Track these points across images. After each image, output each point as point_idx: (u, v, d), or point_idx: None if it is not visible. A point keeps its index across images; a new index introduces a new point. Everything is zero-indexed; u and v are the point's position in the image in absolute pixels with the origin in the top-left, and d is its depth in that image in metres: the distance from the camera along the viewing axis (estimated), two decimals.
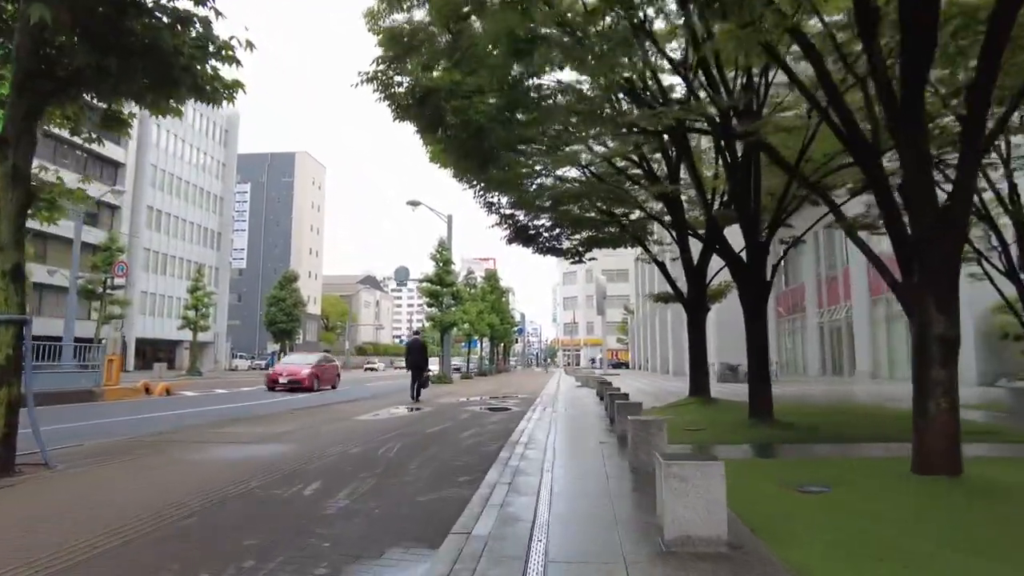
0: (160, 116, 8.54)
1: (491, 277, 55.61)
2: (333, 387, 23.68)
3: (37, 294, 42.60)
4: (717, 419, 10.04)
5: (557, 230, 12.71)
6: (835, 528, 3.89)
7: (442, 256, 33.62)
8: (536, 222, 12.57)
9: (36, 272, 38.49)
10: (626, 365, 76.15)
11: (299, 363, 23.52)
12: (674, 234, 13.24)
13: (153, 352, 55.73)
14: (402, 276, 37.21)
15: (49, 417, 12.05)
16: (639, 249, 57.43)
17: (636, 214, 13.65)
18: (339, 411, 13.56)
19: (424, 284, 33.49)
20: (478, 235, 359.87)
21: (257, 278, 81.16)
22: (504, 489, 5.11)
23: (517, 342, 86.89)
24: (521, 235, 12.82)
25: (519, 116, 6.93)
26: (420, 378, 17.45)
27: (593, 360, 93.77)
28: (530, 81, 6.48)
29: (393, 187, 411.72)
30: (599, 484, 5.31)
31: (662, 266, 14.07)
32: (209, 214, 63.16)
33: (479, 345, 51.32)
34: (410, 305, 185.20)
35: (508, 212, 11.92)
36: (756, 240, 9.33)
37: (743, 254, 9.66)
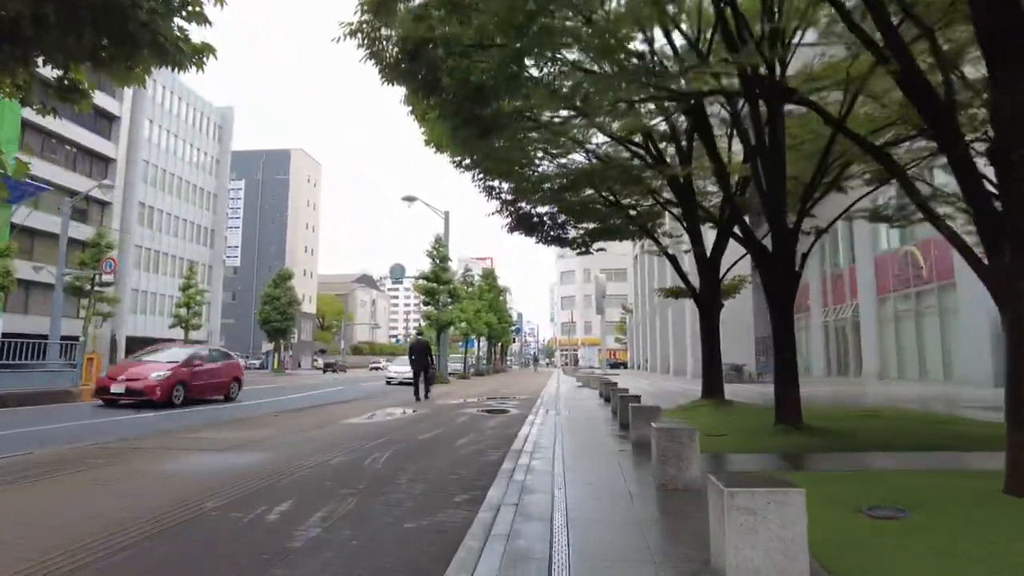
0: (122, 86, 7.63)
1: (489, 275, 54.69)
2: (227, 397, 16.46)
3: (24, 291, 41.57)
4: (738, 424, 9.19)
5: (561, 218, 11.80)
6: (937, 571, 3.04)
7: (439, 253, 32.73)
8: (539, 209, 11.66)
9: (21, 268, 37.46)
10: (624, 365, 75.30)
11: (154, 362, 15.29)
12: (685, 224, 12.38)
13: None
14: (398, 273, 36.30)
15: (16, 420, 11.19)
16: (639, 247, 56.46)
17: (644, 203, 12.78)
18: (330, 413, 12.68)
19: (420, 282, 32.56)
20: (476, 234, 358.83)
21: (252, 276, 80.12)
22: (510, 513, 4.24)
23: (515, 341, 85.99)
24: (524, 224, 11.91)
25: (528, 72, 6.04)
26: (426, 378, 17.81)
27: (590, 360, 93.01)
28: (543, 20, 5.61)
29: (391, 187, 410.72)
30: (623, 507, 4.44)
31: (673, 259, 13.22)
32: (202, 211, 62.16)
33: (476, 345, 50.40)
34: (407, 304, 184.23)
35: (510, 198, 11.00)
36: (782, 226, 8.48)
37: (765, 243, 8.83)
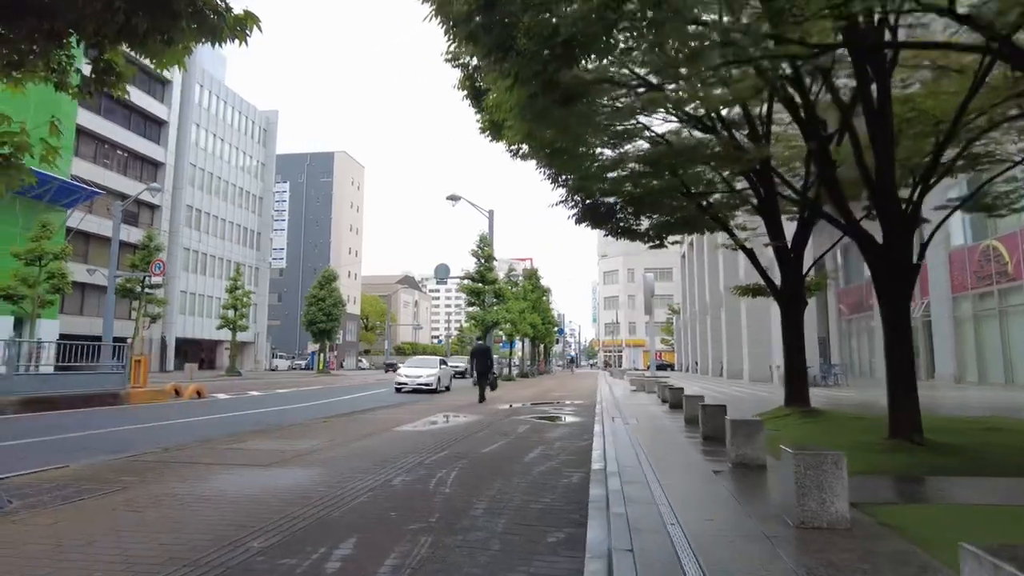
0: (162, 68, 6.96)
1: (532, 275, 53.77)
2: None
3: (79, 293, 42.36)
4: (842, 438, 8.08)
5: (631, 208, 10.78)
6: None
7: (484, 252, 32.02)
8: (608, 200, 10.67)
9: (76, 271, 38.13)
10: (671, 367, 73.52)
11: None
12: (763, 215, 11.27)
13: (195, 352, 55.57)
14: (442, 274, 35.71)
15: (63, 424, 10.81)
16: (686, 246, 55.21)
17: (718, 193, 11.70)
18: (380, 419, 11.95)
19: (465, 282, 31.93)
20: (515, 236, 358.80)
21: (297, 278, 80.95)
22: (626, 561, 3.34)
23: (557, 343, 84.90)
24: (592, 214, 10.91)
25: (621, 23, 5.14)
26: (487, 381, 18.81)
27: (634, 362, 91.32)
28: None
29: (432, 188, 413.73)
30: (766, 554, 3.49)
31: (751, 253, 12.09)
32: (248, 213, 62.86)
33: (520, 346, 49.58)
34: (447, 305, 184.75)
35: (575, 186, 10.02)
36: (894, 209, 7.37)
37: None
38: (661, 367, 70.96)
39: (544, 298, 56.11)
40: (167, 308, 45.07)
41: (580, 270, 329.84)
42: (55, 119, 5.99)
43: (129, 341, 20.76)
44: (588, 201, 10.38)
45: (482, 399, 17.73)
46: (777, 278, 11.80)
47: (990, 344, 24.66)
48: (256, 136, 65.38)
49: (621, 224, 11.25)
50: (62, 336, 28.00)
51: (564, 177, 9.43)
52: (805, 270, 11.48)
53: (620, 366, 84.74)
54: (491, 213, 34.61)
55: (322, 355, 60.92)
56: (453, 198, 33.47)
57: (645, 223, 11.41)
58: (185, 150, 52.45)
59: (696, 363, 56.19)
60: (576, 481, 5.81)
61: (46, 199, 33.11)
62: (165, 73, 48.00)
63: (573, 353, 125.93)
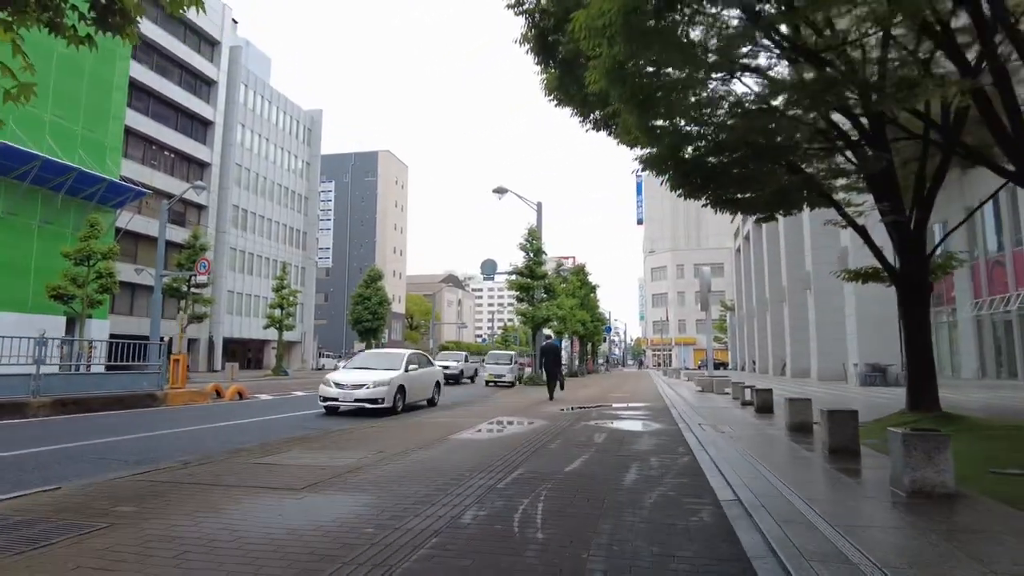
0: (174, 11, 5.68)
1: (579, 271, 52.01)
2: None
3: (128, 293, 42.56)
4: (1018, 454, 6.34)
5: (736, 169, 9.03)
6: None
7: (532, 246, 30.46)
8: (710, 159, 8.96)
9: (125, 271, 38.16)
10: (724, 365, 70.81)
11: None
12: (879, 183, 9.50)
13: (243, 352, 55.65)
14: (489, 270, 34.37)
15: (88, 429, 9.81)
16: (740, 239, 52.82)
17: (822, 162, 9.96)
18: (434, 423, 10.60)
19: (513, 277, 30.42)
20: (560, 235, 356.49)
21: (343, 277, 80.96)
22: None
23: (605, 341, 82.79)
24: (690, 178, 9.12)
25: None
26: (556, 379, 19.07)
27: (685, 361, 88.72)
28: None
29: (475, 186, 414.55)
30: None
31: (864, 232, 10.30)
32: (294, 213, 62.80)
33: (569, 344, 47.91)
34: (490, 304, 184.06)
35: (671, 141, 8.34)
36: None
37: None
38: (715, 366, 68.42)
39: (592, 295, 54.33)
40: (214, 308, 44.96)
41: (625, 267, 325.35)
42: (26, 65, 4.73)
43: (166, 339, 19.93)
44: (690, 157, 8.71)
45: (551, 397, 18.14)
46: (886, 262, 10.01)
47: None
48: (301, 136, 65.34)
49: (722, 193, 9.57)
50: (113, 336, 27.65)
51: (655, 127, 7.82)
52: (931, 250, 9.67)
53: (670, 365, 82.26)
54: (539, 205, 33.12)
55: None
56: (500, 191, 32.14)
57: (748, 193, 9.70)
58: (231, 150, 52.45)
59: (753, 361, 53.62)
60: (709, 519, 4.28)
61: (96, 199, 33.03)
62: (210, 73, 47.93)
63: (619, 353, 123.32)
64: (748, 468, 6.05)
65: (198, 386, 18.65)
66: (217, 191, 50.96)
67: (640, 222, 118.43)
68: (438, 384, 16.41)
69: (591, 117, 9.70)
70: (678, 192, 9.34)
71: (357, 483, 5.43)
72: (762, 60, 8.17)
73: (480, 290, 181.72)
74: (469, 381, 29.10)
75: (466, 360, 32.00)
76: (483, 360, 34.48)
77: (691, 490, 5.23)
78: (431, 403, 15.70)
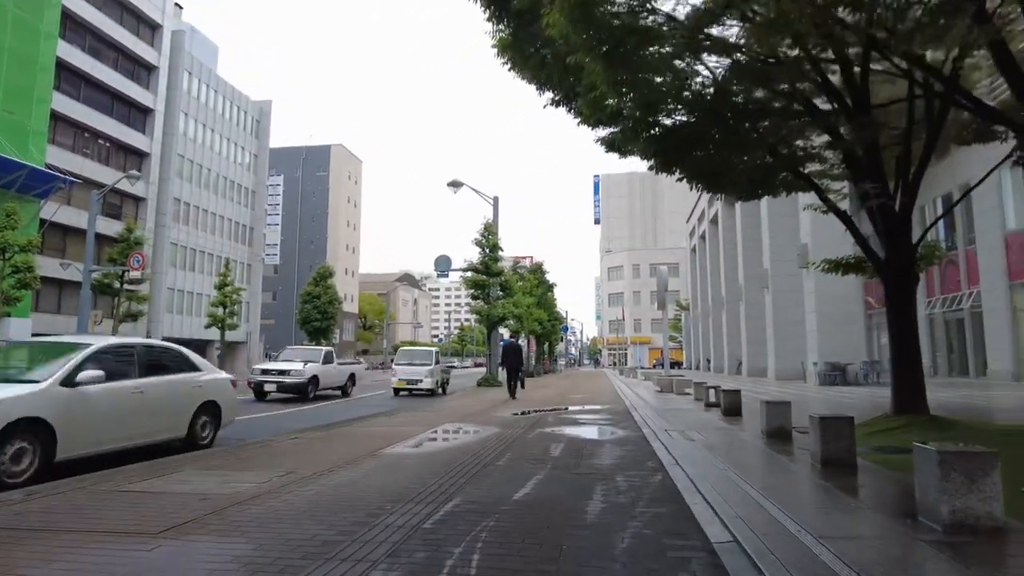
0: None
1: (537, 269, 51.02)
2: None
3: (56, 290, 39.74)
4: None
5: (715, 139, 7.98)
6: None
7: (488, 241, 29.23)
8: (686, 122, 7.84)
9: (49, 266, 35.50)
10: (679, 364, 70.89)
11: None
12: (863, 166, 8.62)
13: None
14: (443, 266, 32.95)
15: None
16: (696, 239, 52.80)
17: (801, 140, 9.04)
18: (370, 432, 9.29)
19: (469, 274, 29.11)
20: (517, 234, 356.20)
21: (293, 275, 78.29)
22: None
23: (562, 340, 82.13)
24: (663, 142, 8.01)
25: None
26: (517, 378, 19.22)
27: (640, 360, 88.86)
28: None
29: (431, 183, 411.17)
30: None
31: (847, 218, 9.43)
32: (240, 207, 60.19)
33: (526, 343, 46.87)
34: (447, 303, 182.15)
35: (641, 99, 7.20)
36: None
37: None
38: (670, 365, 68.38)
39: (550, 293, 53.44)
40: (151, 305, 42.43)
41: (582, 267, 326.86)
42: None
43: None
44: (657, 122, 7.62)
45: (512, 396, 18.24)
46: (867, 252, 9.17)
47: None
48: (249, 127, 62.74)
49: (703, 167, 8.47)
50: (36, 336, 25.36)
51: (623, 81, 6.70)
52: (917, 238, 8.84)
53: (626, 364, 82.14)
54: (496, 200, 31.95)
55: None
56: (455, 184, 30.88)
57: (736, 165, 8.63)
58: (172, 140, 49.75)
59: (708, 360, 53.57)
60: (703, 570, 3.15)
61: (15, 187, 30.44)
62: (149, 58, 45.23)
63: (576, 351, 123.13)
64: (734, 490, 4.97)
65: None
66: (157, 183, 48.25)
67: (597, 222, 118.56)
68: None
69: (550, 85, 8.58)
70: (650, 164, 8.29)
71: (238, 522, 4.13)
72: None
73: (437, 290, 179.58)
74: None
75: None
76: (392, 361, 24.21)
77: (672, 525, 4.10)
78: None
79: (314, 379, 17.65)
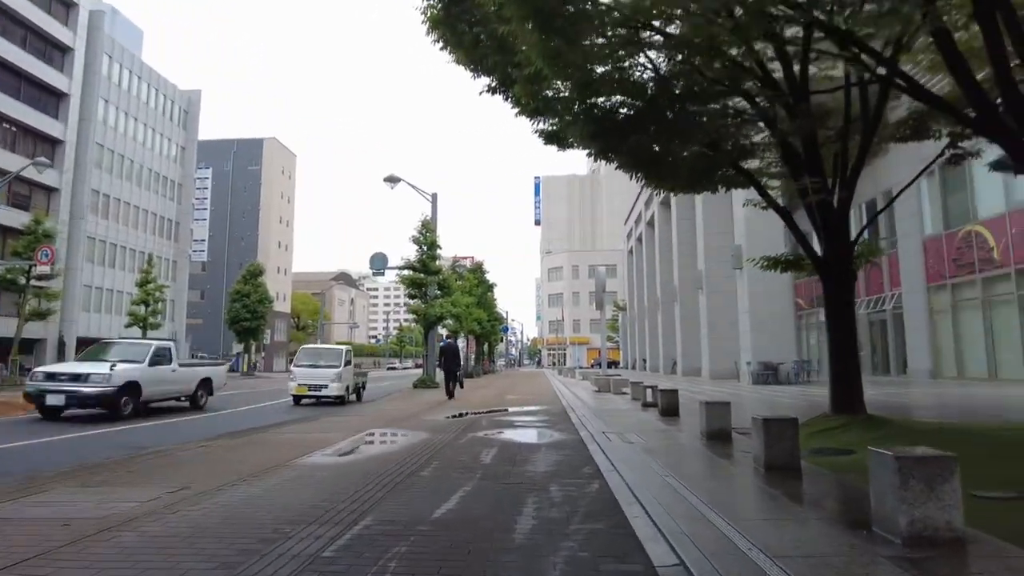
0: None
1: (477, 269, 50.53)
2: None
3: None
4: (984, 467, 5.27)
5: (653, 127, 7.57)
6: None
7: (426, 239, 28.51)
8: (625, 107, 7.44)
9: None
10: (616, 364, 71.62)
11: None
12: (801, 159, 8.47)
13: None
14: (379, 264, 31.98)
15: None
16: (634, 240, 53.31)
17: (740, 133, 8.82)
18: (280, 441, 8.54)
19: (405, 272, 28.26)
20: (457, 233, 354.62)
21: (222, 273, 75.11)
22: None
23: (502, 341, 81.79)
24: (602, 124, 7.55)
25: None
26: (455, 379, 19.27)
27: (579, 360, 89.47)
28: None
29: (370, 182, 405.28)
30: None
31: (787, 215, 9.28)
32: (165, 201, 57.28)
33: (466, 343, 46.25)
34: (386, 304, 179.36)
35: (579, 77, 6.74)
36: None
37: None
38: (608, 365, 68.91)
39: (490, 293, 53.01)
40: (64, 303, 39.67)
41: (523, 268, 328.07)
42: None
43: None
44: (595, 105, 7.17)
45: (451, 395, 18.45)
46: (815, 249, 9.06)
47: (971, 336, 22.96)
48: (176, 118, 59.80)
49: (638, 156, 8.07)
50: None
51: (560, 55, 6.22)
52: (855, 235, 8.76)
53: (565, 364, 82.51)
54: (434, 196, 31.24)
55: (247, 356, 56.09)
56: (392, 180, 30.01)
57: (679, 152, 8.25)
58: (90, 128, 46.74)
59: (644, 360, 54.22)
60: None
61: None
62: (63, 39, 42.42)
63: (517, 352, 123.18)
64: (676, 499, 4.57)
65: (10, 395, 15.38)
66: (73, 172, 45.21)
67: (538, 223, 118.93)
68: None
69: (485, 68, 8.06)
70: (588, 151, 7.90)
71: (96, 556, 3.42)
72: None
73: (376, 289, 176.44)
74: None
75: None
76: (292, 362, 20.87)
77: (610, 544, 3.64)
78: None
79: (130, 387, 12.65)
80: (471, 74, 8.54)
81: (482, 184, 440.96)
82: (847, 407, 8.32)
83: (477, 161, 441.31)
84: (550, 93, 8.10)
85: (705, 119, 8.39)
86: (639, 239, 56.64)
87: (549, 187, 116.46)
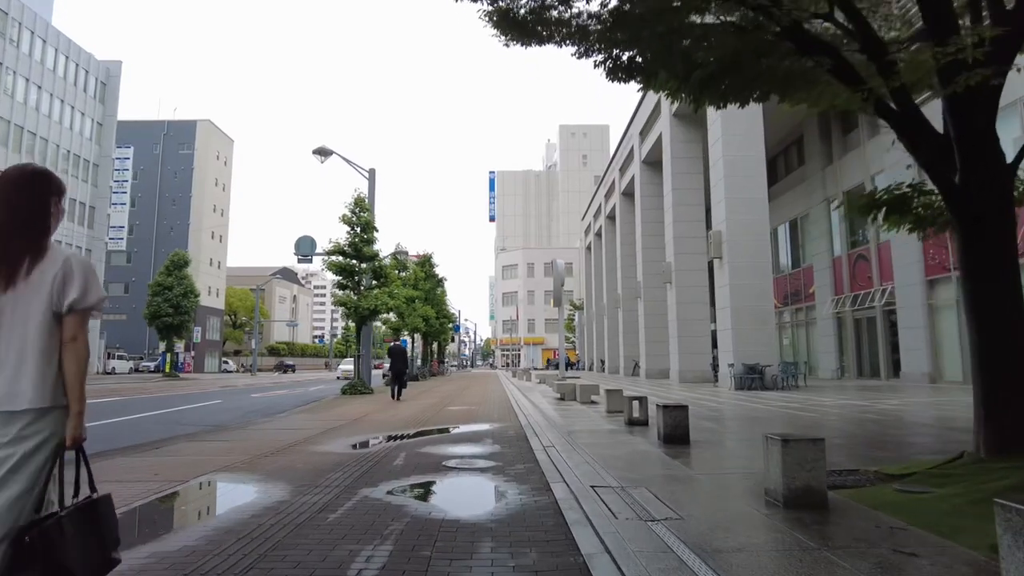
0: None
1: (425, 262, 46.40)
2: None
3: None
4: None
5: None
6: None
7: (360, 219, 24.27)
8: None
9: None
10: (574, 365, 68.46)
11: None
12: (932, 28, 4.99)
13: None
14: (306, 248, 27.66)
15: None
16: (592, 236, 50.17)
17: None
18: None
19: (333, 257, 23.89)
20: (412, 230, 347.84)
21: (149, 265, 68.88)
22: None
23: (453, 340, 77.70)
24: (626, 25, 4.09)
25: None
26: (400, 381, 18.98)
27: (533, 361, 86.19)
28: None
29: (310, 174, 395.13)
30: None
31: (915, 112, 5.70)
32: (78, 183, 51.45)
33: (409, 343, 42.06)
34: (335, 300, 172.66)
35: None
36: None
37: None
38: (567, 366, 65.51)
39: (440, 289, 48.97)
40: None
41: (477, 266, 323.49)
42: None
43: None
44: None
45: (398, 397, 18.22)
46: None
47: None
48: (92, 90, 53.95)
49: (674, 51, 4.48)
50: None
51: None
52: (1012, 157, 5.26)
53: (519, 365, 79.00)
54: (372, 172, 27.10)
55: (171, 355, 50.66)
56: (323, 152, 25.80)
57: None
58: None
59: (603, 361, 51.04)
60: None
61: None
62: None
63: (470, 352, 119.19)
64: None
65: None
66: None
67: (492, 219, 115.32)
68: None
69: None
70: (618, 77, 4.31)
71: None
72: None
73: (323, 287, 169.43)
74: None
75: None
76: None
77: None
78: None
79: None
80: None
81: (437, 179, 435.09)
82: (1013, 442, 4.81)
83: (433, 156, 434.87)
84: None
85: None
86: (598, 234, 53.51)
87: (504, 182, 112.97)
